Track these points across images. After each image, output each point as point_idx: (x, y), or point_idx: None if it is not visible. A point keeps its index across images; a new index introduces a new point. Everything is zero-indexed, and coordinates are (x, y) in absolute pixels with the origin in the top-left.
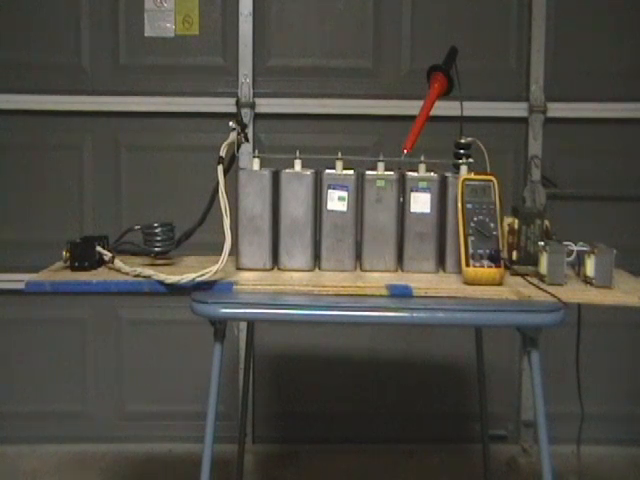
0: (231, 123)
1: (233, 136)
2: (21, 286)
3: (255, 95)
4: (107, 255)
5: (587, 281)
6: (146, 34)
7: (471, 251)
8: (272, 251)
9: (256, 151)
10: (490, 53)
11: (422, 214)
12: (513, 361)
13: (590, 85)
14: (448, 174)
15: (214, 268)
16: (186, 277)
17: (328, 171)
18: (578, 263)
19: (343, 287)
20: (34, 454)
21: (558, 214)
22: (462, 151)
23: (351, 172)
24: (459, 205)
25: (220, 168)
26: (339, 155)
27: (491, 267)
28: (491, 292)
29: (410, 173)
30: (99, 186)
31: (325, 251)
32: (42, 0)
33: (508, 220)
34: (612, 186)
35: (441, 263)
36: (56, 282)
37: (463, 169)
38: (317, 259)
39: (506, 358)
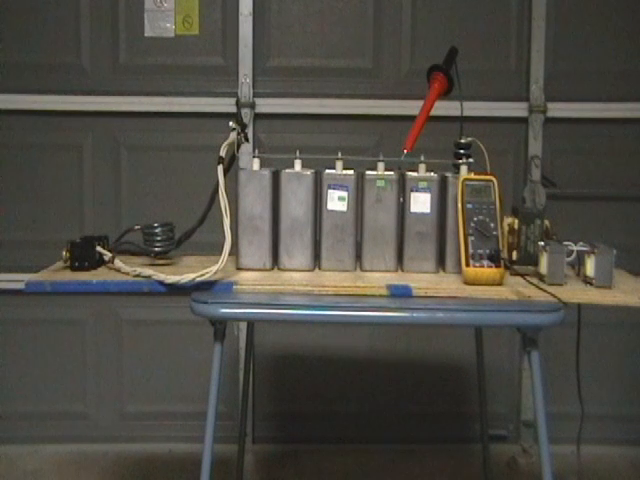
0: (231, 123)
1: (233, 136)
2: (21, 286)
3: (255, 95)
4: (107, 255)
5: (587, 281)
6: (146, 34)
7: (471, 251)
8: (272, 251)
9: (256, 151)
10: (490, 53)
11: (422, 214)
12: (513, 361)
13: (590, 85)
14: (448, 174)
15: (214, 268)
16: (186, 277)
17: (328, 171)
18: (578, 263)
19: (343, 287)
20: (34, 454)
21: (558, 214)
22: (462, 151)
23: (351, 172)
24: (459, 205)
25: (220, 168)
26: (339, 155)
27: (491, 267)
28: (491, 292)
29: (410, 173)
30: (99, 186)
31: (325, 251)
32: (42, 0)
33: (508, 220)
34: (612, 186)
35: (441, 263)
36: (56, 282)
37: (463, 169)
38: (317, 259)
39: (506, 358)
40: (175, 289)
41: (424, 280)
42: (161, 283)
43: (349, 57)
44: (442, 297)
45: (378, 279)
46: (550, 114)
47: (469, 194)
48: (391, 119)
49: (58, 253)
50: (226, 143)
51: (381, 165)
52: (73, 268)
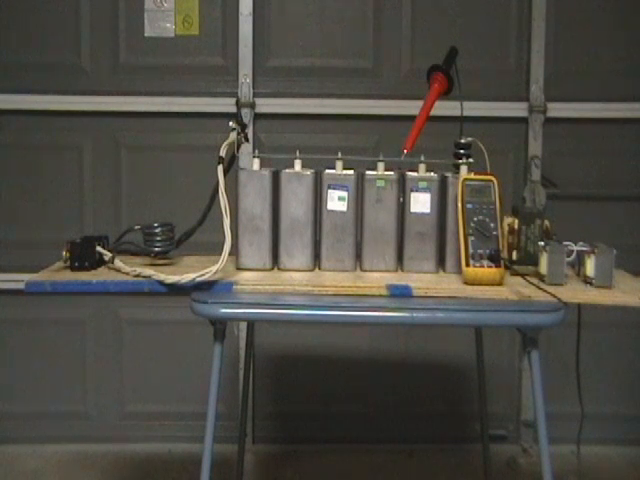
0: (231, 123)
1: (233, 136)
2: (21, 286)
3: (255, 95)
4: (107, 255)
5: (587, 281)
6: (146, 34)
7: (471, 251)
8: (272, 251)
9: (256, 151)
10: (490, 53)
11: (422, 214)
12: (513, 361)
13: (590, 85)
14: (448, 174)
15: (214, 268)
16: (186, 277)
17: (328, 171)
18: (578, 263)
19: (343, 287)
20: (34, 454)
21: (558, 214)
22: (462, 151)
23: (351, 172)
24: (459, 205)
25: (220, 168)
26: (339, 155)
27: (491, 267)
28: (491, 292)
29: (410, 173)
30: (99, 186)
31: (325, 251)
32: (42, 0)
33: (508, 220)
34: (612, 186)
35: (441, 263)
36: (56, 282)
37: (463, 169)
38: (317, 259)
39: (506, 358)
40: (175, 289)
41: (424, 280)
42: (161, 283)
43: (349, 57)
44: (442, 297)
45: (378, 279)
46: (550, 114)
47: (469, 194)
48: (391, 119)
49: (58, 253)
50: (226, 143)
51: (381, 165)
52: (73, 268)
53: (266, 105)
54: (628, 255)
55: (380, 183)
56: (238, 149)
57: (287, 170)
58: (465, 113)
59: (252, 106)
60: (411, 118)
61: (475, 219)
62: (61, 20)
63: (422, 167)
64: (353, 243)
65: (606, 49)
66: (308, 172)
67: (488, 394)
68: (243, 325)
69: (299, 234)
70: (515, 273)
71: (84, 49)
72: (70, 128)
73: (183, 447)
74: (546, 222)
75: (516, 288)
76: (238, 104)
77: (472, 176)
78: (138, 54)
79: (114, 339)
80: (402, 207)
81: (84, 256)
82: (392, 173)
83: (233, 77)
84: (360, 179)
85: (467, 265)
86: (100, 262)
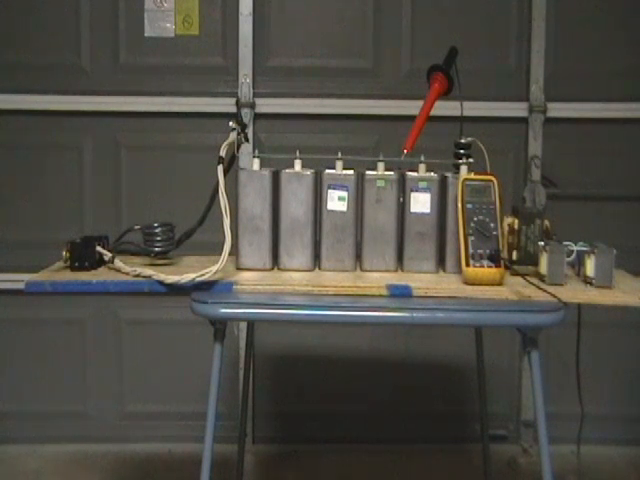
0: (231, 123)
1: (233, 136)
2: (21, 286)
3: (255, 95)
4: (107, 255)
5: (587, 281)
6: (146, 34)
7: (471, 251)
8: (272, 251)
9: (256, 151)
10: (490, 53)
11: (422, 214)
12: (513, 361)
13: (590, 85)
14: (448, 174)
15: (214, 268)
16: (186, 277)
17: (328, 171)
18: (578, 263)
19: (343, 287)
20: (34, 454)
21: (558, 214)
22: (462, 151)
23: (351, 172)
24: (459, 205)
25: (220, 168)
26: (339, 155)
27: (491, 267)
28: (491, 292)
29: (410, 173)
30: (99, 186)
31: (325, 251)
32: (42, 0)
33: (508, 220)
34: (612, 186)
35: (441, 263)
36: (56, 282)
37: (463, 169)
38: (317, 259)
39: (506, 358)
40: (175, 289)
41: (424, 280)
42: (161, 283)
43: (349, 57)
44: (442, 297)
45: (378, 279)
46: (550, 114)
47: (469, 194)
48: (391, 119)
49: (58, 253)
50: (226, 143)
51: (381, 165)
52: (73, 268)
53: (266, 105)
54: (628, 255)
55: (380, 183)
56: (238, 149)
57: (287, 170)
58: (465, 113)
59: (252, 106)
60: (411, 118)
61: (475, 219)
62: (61, 20)
63: (422, 167)
64: (353, 243)
65: (606, 49)
66: (308, 172)
67: (488, 394)
68: (243, 325)
69: (299, 234)
70: (515, 273)
71: (84, 49)
72: (70, 128)
73: (183, 447)
74: (546, 222)
75: (516, 288)
76: (238, 104)
77: (472, 176)
78: (138, 54)
79: (114, 339)
80: (402, 207)
81: (84, 256)
82: (392, 173)
83: (233, 77)
84: (360, 179)
85: (467, 265)
86: (100, 262)
